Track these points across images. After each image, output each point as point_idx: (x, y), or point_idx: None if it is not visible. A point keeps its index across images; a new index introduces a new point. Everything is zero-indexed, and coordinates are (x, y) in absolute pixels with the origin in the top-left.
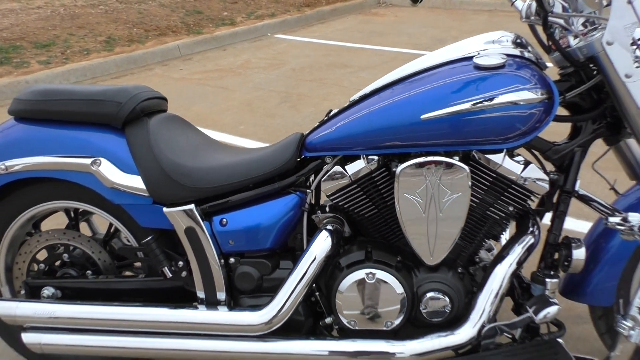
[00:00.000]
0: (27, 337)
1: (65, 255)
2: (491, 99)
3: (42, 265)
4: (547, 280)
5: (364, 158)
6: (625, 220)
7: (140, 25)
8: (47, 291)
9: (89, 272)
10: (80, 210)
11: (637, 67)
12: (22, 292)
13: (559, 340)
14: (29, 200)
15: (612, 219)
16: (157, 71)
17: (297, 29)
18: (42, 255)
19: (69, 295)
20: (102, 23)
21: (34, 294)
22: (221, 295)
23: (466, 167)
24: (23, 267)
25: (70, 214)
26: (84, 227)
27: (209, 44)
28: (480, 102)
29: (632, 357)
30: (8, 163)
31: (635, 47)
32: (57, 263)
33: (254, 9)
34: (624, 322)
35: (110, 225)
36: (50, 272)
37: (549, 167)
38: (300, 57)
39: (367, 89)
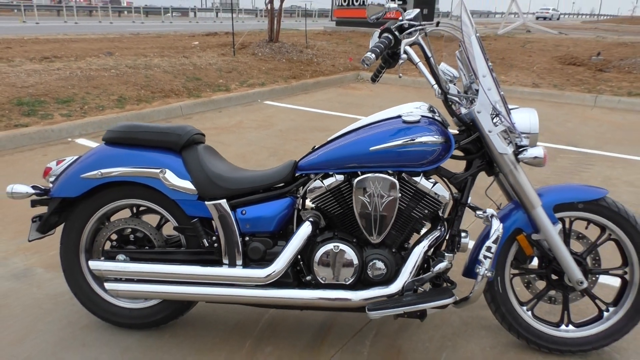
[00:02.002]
0: (109, 285)
1: (132, 236)
2: (412, 140)
3: (114, 243)
4: (446, 254)
5: (334, 175)
6: (484, 212)
7: (147, 87)
8: (121, 257)
9: (146, 247)
10: (140, 208)
11: (495, 125)
12: (102, 258)
13: (451, 290)
14: (109, 199)
15: (478, 212)
16: None
17: (284, 97)
18: (112, 237)
19: (135, 261)
20: (114, 84)
21: (110, 260)
22: (239, 262)
23: (396, 181)
24: (101, 244)
25: (132, 210)
26: None
27: (206, 106)
28: (405, 141)
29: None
30: (103, 170)
31: (494, 114)
32: (125, 241)
33: (246, 78)
34: (478, 265)
35: (161, 217)
36: (119, 248)
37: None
38: (286, 120)
39: (338, 133)
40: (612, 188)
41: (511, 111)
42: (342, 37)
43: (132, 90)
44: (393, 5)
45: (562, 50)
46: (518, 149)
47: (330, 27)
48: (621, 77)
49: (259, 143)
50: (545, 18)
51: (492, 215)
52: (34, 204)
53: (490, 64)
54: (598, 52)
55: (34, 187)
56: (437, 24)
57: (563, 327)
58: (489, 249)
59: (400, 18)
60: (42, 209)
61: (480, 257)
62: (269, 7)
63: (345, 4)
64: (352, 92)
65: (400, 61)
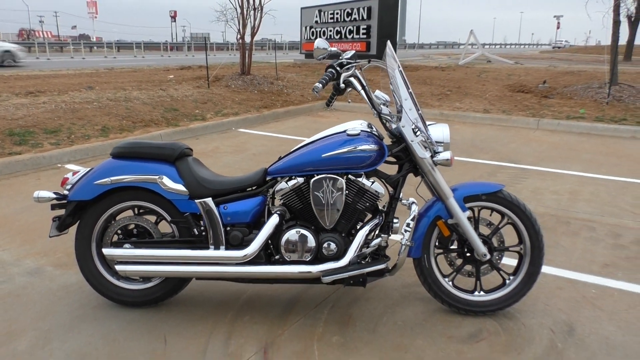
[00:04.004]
0: (120, 267)
1: (135, 230)
2: (354, 148)
3: (121, 236)
4: (382, 235)
5: (296, 178)
6: (407, 200)
7: (129, 118)
8: (127, 246)
9: (147, 238)
10: (141, 210)
11: (416, 136)
12: (112, 247)
13: (385, 260)
14: (117, 201)
15: (403, 201)
16: None
17: (257, 125)
18: (118, 232)
19: (139, 248)
20: (97, 116)
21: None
22: (222, 246)
23: (343, 180)
24: (110, 237)
25: (134, 211)
26: None
27: (184, 134)
28: (349, 149)
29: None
30: (113, 178)
31: (415, 128)
32: (129, 235)
33: (221, 108)
34: (403, 238)
35: (157, 217)
36: (125, 240)
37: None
38: (259, 145)
39: (298, 145)
40: (539, 196)
41: (429, 126)
42: (311, 69)
43: (114, 121)
44: (334, 49)
45: (514, 78)
46: (434, 154)
47: (300, 59)
48: (563, 102)
49: (234, 165)
50: (559, 47)
51: (412, 203)
52: (53, 207)
53: (410, 90)
54: (544, 80)
55: (55, 193)
56: (369, 61)
57: (476, 293)
58: (408, 225)
59: (340, 57)
60: (60, 212)
61: (402, 231)
62: (240, 42)
63: (313, 37)
64: (320, 119)
65: (348, 90)
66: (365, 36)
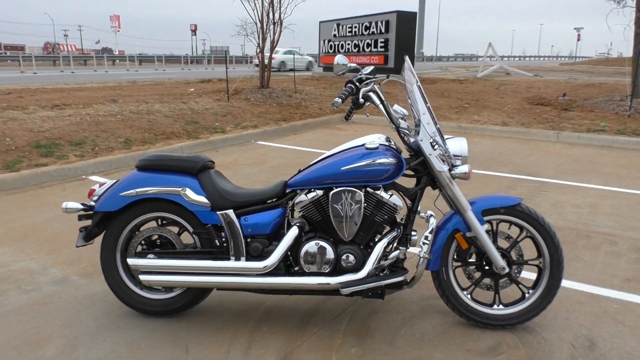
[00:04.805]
0: (144, 277)
1: (158, 241)
2: (373, 161)
3: (145, 247)
4: (400, 247)
5: (315, 190)
6: (425, 213)
7: (150, 130)
8: (151, 256)
9: (169, 249)
10: (164, 221)
11: (433, 149)
12: (136, 257)
13: (403, 273)
14: (141, 212)
15: (421, 214)
16: None
17: (275, 137)
18: (142, 242)
19: (162, 258)
20: (120, 128)
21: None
22: (242, 257)
23: (362, 193)
24: (134, 247)
25: (157, 222)
26: None
27: (205, 146)
28: (368, 162)
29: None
30: (138, 190)
31: (433, 142)
32: (152, 245)
33: (240, 121)
34: (421, 250)
35: (179, 228)
36: (148, 250)
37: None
38: (277, 158)
39: (317, 159)
40: (559, 210)
41: (446, 140)
42: (329, 82)
43: (137, 133)
44: (353, 65)
45: (533, 91)
46: (452, 168)
47: (318, 72)
48: (583, 115)
49: (253, 177)
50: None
51: (430, 215)
52: (81, 217)
53: (428, 104)
54: (564, 93)
55: (82, 204)
56: (387, 76)
57: (495, 306)
58: (426, 237)
59: (360, 73)
60: (87, 222)
61: (420, 244)
62: (259, 57)
63: (331, 51)
64: (338, 132)
65: (367, 104)
66: (383, 49)
